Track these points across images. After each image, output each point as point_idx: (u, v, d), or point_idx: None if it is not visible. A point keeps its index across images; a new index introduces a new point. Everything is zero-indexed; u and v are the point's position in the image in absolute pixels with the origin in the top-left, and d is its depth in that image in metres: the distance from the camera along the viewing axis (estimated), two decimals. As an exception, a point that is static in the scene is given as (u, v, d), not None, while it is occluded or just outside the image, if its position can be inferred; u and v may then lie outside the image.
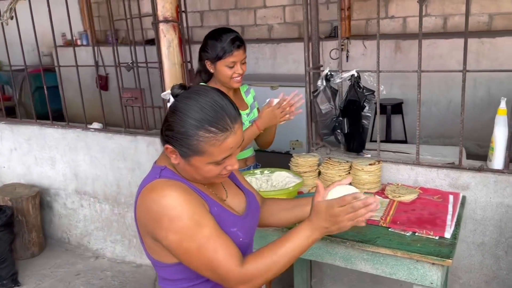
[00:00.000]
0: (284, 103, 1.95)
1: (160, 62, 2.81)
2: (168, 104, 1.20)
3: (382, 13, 5.37)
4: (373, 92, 2.19)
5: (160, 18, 2.62)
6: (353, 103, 2.17)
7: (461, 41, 4.59)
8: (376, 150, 2.27)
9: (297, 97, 2.02)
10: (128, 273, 3.15)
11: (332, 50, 4.85)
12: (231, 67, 1.98)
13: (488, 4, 4.86)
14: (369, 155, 2.28)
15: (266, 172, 2.09)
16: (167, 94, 1.17)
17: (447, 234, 1.69)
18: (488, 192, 2.02)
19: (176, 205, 1.09)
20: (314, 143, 2.44)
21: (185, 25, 2.80)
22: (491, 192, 2.02)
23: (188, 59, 2.79)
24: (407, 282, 2.31)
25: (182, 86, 1.18)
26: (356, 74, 2.18)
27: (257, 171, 2.11)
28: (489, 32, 4.77)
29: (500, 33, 4.60)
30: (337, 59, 3.39)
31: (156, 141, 2.88)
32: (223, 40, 1.96)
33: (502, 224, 2.03)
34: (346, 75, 2.19)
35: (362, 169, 2.09)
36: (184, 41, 2.76)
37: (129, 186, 3.09)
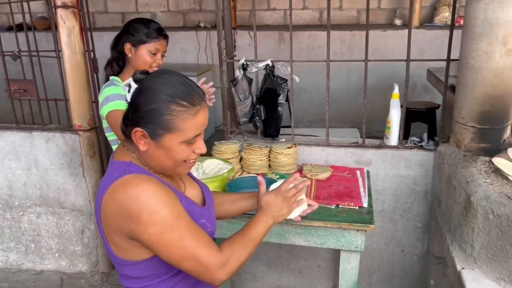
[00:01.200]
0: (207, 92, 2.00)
1: (58, 51, 2.61)
2: (128, 95, 1.17)
3: (264, 5, 5.64)
4: (286, 80, 2.35)
5: (58, 3, 2.43)
6: (270, 91, 2.30)
7: (336, 33, 5.06)
8: (289, 134, 2.45)
9: (207, 85, 2.09)
10: (28, 282, 2.89)
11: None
12: (153, 55, 1.97)
13: (356, 0, 5.44)
14: (283, 140, 2.45)
15: (193, 160, 2.12)
16: (126, 84, 1.16)
17: (365, 204, 1.94)
18: (387, 166, 2.35)
19: (155, 198, 1.08)
20: (231, 130, 2.52)
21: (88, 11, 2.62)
22: (389, 165, 2.35)
23: (91, 47, 2.63)
24: (323, 252, 2.56)
25: (144, 72, 1.19)
26: (270, 64, 2.32)
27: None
28: (358, 25, 5.35)
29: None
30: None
31: (57, 136, 2.67)
32: (151, 26, 1.95)
33: (398, 192, 2.38)
34: (261, 64, 2.32)
35: (282, 152, 2.25)
36: (86, 28, 2.59)
37: (25, 187, 2.82)
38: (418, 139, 2.29)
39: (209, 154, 2.28)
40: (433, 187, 2.29)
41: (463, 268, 1.66)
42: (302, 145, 2.40)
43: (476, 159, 1.90)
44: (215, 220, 1.37)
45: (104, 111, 1.91)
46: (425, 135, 2.30)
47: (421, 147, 2.28)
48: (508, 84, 1.88)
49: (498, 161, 1.83)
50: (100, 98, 1.95)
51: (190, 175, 1.42)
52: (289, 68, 2.31)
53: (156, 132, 1.12)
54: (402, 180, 2.36)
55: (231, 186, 1.98)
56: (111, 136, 2.04)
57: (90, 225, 2.82)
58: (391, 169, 2.35)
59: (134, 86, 1.17)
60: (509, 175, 1.70)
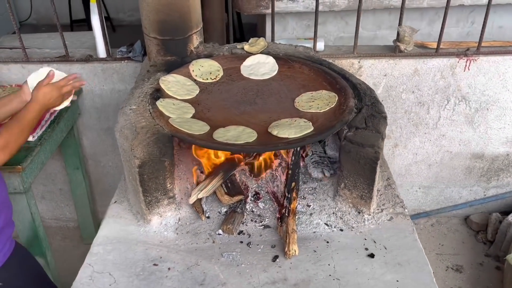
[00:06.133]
0: None
1: None
2: None
3: None
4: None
5: None
6: None
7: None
8: None
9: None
10: None
11: None
12: None
13: None
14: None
15: None
16: None
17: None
18: (100, 81, 2.10)
19: None
20: None
21: None
22: (102, 80, 2.09)
23: None
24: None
25: None
26: None
27: None
28: None
29: None
30: None
31: None
32: None
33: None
34: None
35: None
36: None
37: None
38: (125, 50, 2.03)
39: None
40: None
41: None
42: (-2, 63, 2.03)
43: (155, 75, 1.70)
44: None
45: None
46: (137, 45, 2.04)
47: (130, 59, 2.03)
48: (178, -11, 1.63)
49: (168, 78, 1.65)
50: None
51: None
52: None
53: None
54: (122, 95, 2.13)
55: None
56: None
57: None
58: (106, 84, 2.11)
59: None
60: (167, 99, 1.54)
